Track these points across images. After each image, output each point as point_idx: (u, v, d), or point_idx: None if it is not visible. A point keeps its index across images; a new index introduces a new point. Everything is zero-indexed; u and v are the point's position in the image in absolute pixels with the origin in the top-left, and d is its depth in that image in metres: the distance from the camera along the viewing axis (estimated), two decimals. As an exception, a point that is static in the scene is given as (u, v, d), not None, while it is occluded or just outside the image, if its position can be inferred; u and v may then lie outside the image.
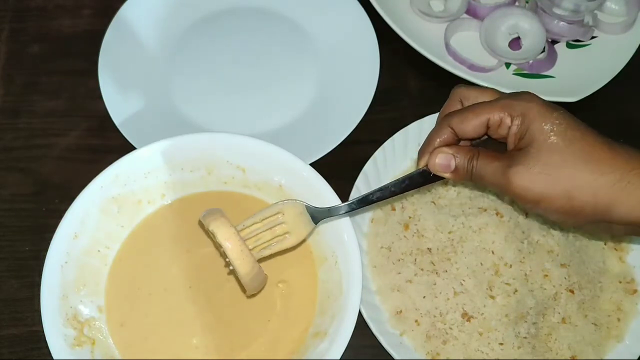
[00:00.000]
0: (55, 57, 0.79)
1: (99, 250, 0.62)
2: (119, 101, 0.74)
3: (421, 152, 0.56)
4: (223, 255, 0.56)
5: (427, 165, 0.55)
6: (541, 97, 0.72)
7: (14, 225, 0.70)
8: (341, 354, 0.56)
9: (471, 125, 0.54)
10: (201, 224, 0.59)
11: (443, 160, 0.54)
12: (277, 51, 0.80)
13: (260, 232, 0.57)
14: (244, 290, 0.59)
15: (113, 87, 0.75)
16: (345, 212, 0.58)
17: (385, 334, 0.63)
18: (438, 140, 0.55)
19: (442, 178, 0.55)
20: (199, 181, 0.65)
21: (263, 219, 0.57)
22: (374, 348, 0.63)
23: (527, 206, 0.53)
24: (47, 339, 0.56)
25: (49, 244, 0.59)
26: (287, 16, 0.81)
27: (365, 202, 0.57)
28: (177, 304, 0.62)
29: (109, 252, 0.63)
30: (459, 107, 0.56)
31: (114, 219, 0.63)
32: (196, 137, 0.64)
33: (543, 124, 0.51)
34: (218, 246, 0.57)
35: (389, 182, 0.57)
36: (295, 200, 0.59)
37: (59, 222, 0.59)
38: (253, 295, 0.61)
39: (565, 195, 0.50)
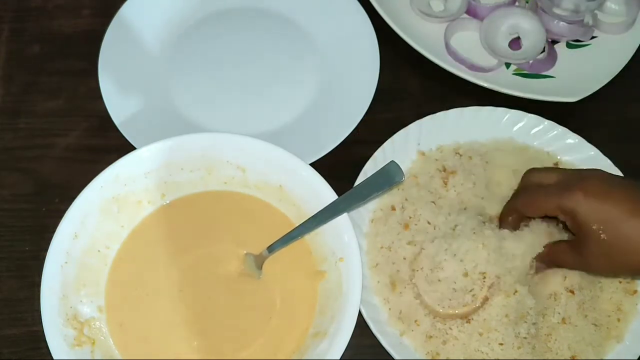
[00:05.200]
0: (55, 57, 0.79)
1: (99, 250, 0.62)
2: (119, 101, 0.74)
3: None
4: None
5: None
6: (541, 97, 0.74)
7: (14, 225, 0.70)
8: (341, 354, 0.56)
9: (534, 214, 0.62)
10: None
11: None
12: (277, 51, 0.79)
13: None
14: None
15: (113, 87, 0.75)
16: None
17: (385, 334, 0.63)
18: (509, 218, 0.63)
19: None
20: (199, 181, 0.65)
21: None
22: (374, 348, 0.63)
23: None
24: (47, 339, 0.56)
25: (49, 244, 0.59)
26: (287, 16, 0.81)
27: None
28: (177, 303, 0.62)
29: (109, 252, 0.63)
30: None
31: (114, 219, 0.63)
32: (196, 137, 0.64)
33: (591, 225, 0.56)
34: None
35: None
36: None
37: (59, 222, 0.59)
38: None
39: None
